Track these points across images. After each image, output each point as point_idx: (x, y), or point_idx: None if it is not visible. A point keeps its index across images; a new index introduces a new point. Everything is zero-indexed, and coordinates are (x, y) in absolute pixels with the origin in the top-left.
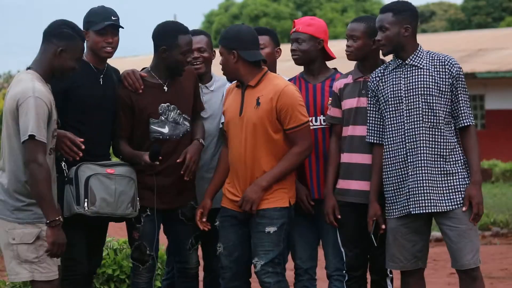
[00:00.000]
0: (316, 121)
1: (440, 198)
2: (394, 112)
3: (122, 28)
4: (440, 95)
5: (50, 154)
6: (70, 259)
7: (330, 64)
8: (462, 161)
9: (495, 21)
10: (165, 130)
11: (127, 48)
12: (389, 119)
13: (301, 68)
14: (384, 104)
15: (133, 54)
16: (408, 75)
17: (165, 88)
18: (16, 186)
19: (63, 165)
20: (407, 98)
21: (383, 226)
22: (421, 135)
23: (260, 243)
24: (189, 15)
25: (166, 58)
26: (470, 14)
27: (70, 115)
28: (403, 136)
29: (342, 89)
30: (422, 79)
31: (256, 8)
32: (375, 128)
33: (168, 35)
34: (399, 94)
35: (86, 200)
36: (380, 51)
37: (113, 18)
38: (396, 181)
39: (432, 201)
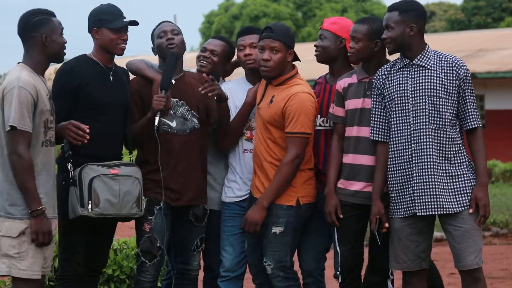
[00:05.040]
0: (326, 122)
1: (447, 200)
2: (400, 112)
3: (138, 25)
4: (446, 97)
5: (46, 146)
6: (67, 260)
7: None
8: (466, 162)
9: (495, 22)
10: (173, 124)
11: (127, 48)
12: (394, 119)
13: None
14: (389, 103)
15: (132, 54)
16: (415, 76)
17: (173, 81)
18: (5, 178)
19: (69, 166)
20: (413, 99)
21: (386, 225)
22: (427, 136)
23: (268, 242)
24: (189, 15)
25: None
26: (470, 14)
27: (81, 113)
28: (409, 137)
29: (346, 89)
30: (429, 80)
31: (256, 8)
32: (380, 126)
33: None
34: (406, 94)
35: (90, 202)
36: (387, 51)
37: (124, 16)
38: (401, 181)
39: (438, 203)
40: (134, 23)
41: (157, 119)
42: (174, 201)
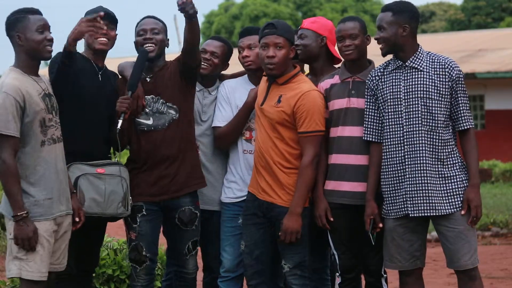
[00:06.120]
0: None
1: (439, 202)
2: (392, 113)
3: (116, 21)
4: (439, 98)
5: (49, 144)
6: None
7: None
8: (459, 163)
9: (495, 22)
10: (150, 121)
11: (126, 48)
12: (387, 120)
13: None
14: (382, 104)
15: (133, 54)
16: (408, 78)
17: (148, 79)
18: None
19: None
20: (406, 101)
21: (380, 225)
22: (420, 138)
23: (287, 246)
24: None
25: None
26: (470, 14)
27: (67, 108)
28: (401, 138)
29: (329, 90)
30: (422, 83)
31: (256, 8)
32: (373, 127)
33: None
34: (399, 96)
35: None
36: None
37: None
38: (393, 182)
39: (431, 204)
40: (108, 18)
41: (120, 121)
42: (160, 196)
